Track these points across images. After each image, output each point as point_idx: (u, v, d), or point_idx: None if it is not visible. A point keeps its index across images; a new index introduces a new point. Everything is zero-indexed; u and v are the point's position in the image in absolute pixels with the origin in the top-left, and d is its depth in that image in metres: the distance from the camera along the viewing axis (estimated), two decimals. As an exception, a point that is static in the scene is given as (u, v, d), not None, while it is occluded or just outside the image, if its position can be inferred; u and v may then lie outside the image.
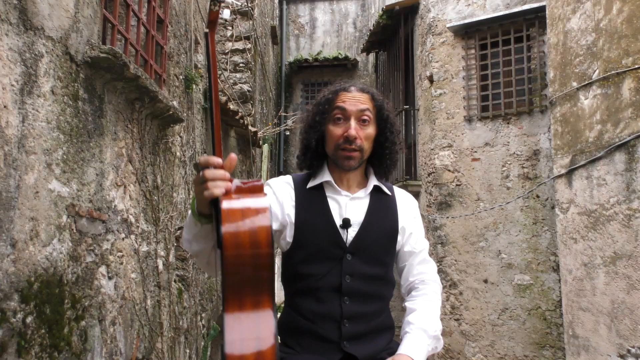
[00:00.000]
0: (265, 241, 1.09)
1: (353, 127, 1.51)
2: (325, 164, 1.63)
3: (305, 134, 1.61)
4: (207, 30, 1.24)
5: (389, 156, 1.61)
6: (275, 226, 1.52)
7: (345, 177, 1.60)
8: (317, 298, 1.48)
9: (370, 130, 1.55)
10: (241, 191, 1.16)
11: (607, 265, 4.14)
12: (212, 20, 1.24)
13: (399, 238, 1.59)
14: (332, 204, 1.57)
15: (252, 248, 1.08)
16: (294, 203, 1.56)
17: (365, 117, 1.54)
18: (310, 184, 1.60)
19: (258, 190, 1.17)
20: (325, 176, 1.60)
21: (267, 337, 1.04)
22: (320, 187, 1.60)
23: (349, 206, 1.56)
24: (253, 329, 1.05)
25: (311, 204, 1.56)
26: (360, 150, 1.53)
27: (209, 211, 1.22)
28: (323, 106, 1.58)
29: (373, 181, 1.62)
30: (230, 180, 1.16)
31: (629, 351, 3.91)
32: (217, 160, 1.15)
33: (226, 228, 1.07)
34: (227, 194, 1.13)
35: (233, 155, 1.21)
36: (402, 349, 1.41)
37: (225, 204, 1.10)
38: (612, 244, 4.10)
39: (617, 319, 4.02)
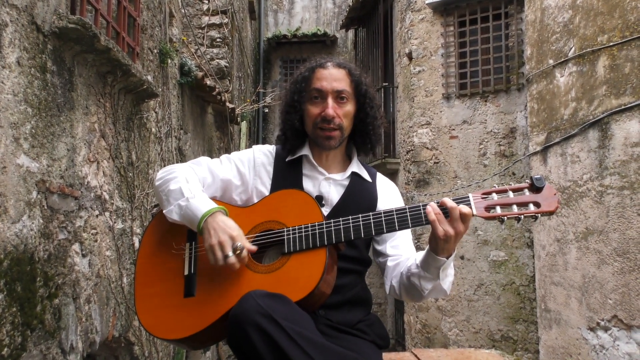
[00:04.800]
0: None
1: (330, 105, 1.50)
2: (306, 140, 1.61)
3: (286, 114, 1.59)
4: None
5: (373, 132, 1.59)
6: (240, 190, 1.59)
7: (324, 155, 1.59)
8: None
9: (349, 107, 1.54)
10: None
11: (579, 241, 4.23)
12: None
13: None
14: (306, 181, 1.56)
15: None
16: (271, 175, 1.55)
17: (343, 95, 1.51)
18: (289, 158, 1.59)
19: None
20: (304, 150, 1.59)
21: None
22: (298, 162, 1.59)
23: (322, 185, 1.55)
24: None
25: (286, 178, 1.55)
26: (340, 128, 1.52)
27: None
28: (300, 84, 1.55)
29: (353, 167, 1.61)
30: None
31: (598, 324, 4.03)
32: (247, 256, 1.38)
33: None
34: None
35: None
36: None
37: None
38: (584, 220, 4.19)
39: (588, 293, 4.13)
